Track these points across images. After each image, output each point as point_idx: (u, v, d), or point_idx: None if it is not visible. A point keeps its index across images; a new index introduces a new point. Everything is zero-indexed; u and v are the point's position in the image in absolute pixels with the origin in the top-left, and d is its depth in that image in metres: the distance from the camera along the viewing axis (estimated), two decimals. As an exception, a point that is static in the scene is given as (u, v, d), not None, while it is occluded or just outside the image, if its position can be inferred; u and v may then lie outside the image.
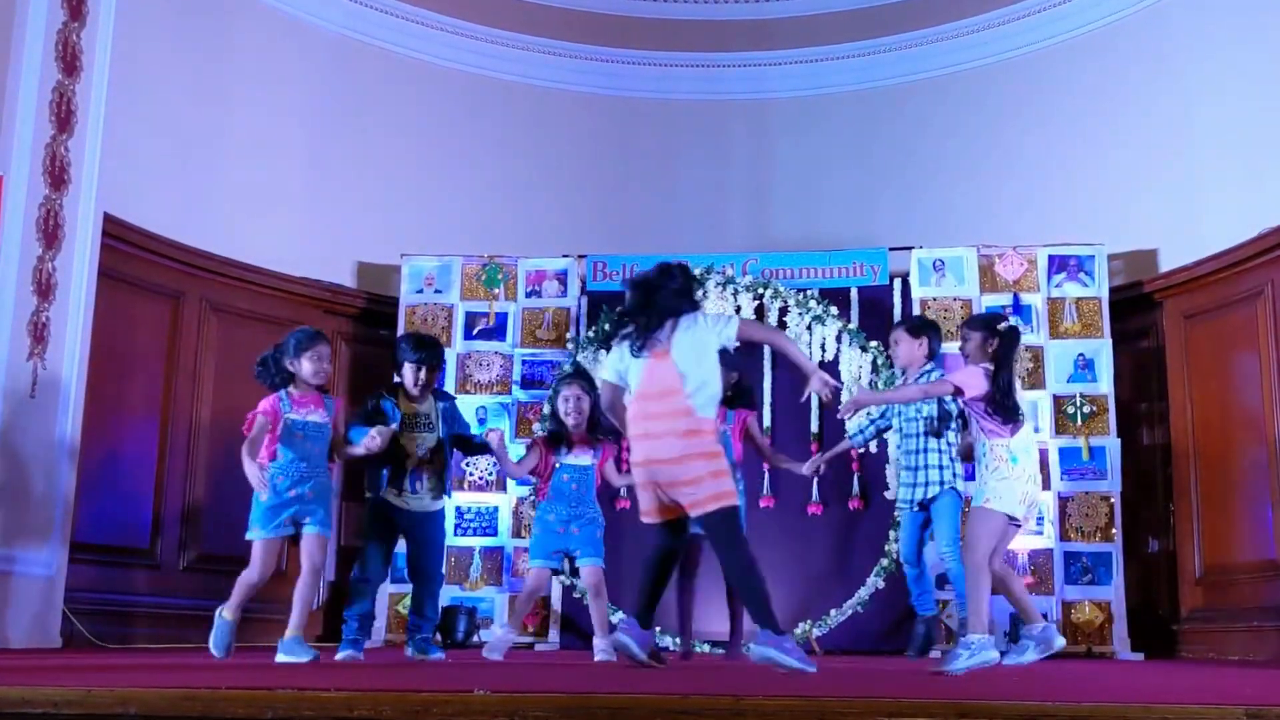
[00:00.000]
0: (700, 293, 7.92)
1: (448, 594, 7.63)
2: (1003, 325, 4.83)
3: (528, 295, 8.73)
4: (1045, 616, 5.10)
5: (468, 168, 9.55)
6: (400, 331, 8.58)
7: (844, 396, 7.18)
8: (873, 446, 8.14)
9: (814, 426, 8.38)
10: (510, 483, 8.28)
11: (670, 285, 4.52)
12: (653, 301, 4.49)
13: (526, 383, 8.55)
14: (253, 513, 5.15)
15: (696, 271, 8.36)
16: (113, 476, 7.53)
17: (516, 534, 8.25)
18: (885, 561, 7.97)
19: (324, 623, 8.27)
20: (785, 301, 8.36)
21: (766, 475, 8.27)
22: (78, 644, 6.70)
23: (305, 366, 5.28)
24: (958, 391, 4.75)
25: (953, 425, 6.36)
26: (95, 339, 6.90)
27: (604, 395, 4.82)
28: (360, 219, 9.17)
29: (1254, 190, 7.73)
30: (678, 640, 6.81)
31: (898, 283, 8.48)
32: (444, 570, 6.39)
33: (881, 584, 7.97)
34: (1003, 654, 7.57)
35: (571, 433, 5.91)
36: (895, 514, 8.05)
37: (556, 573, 6.90)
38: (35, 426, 6.39)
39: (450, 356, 8.55)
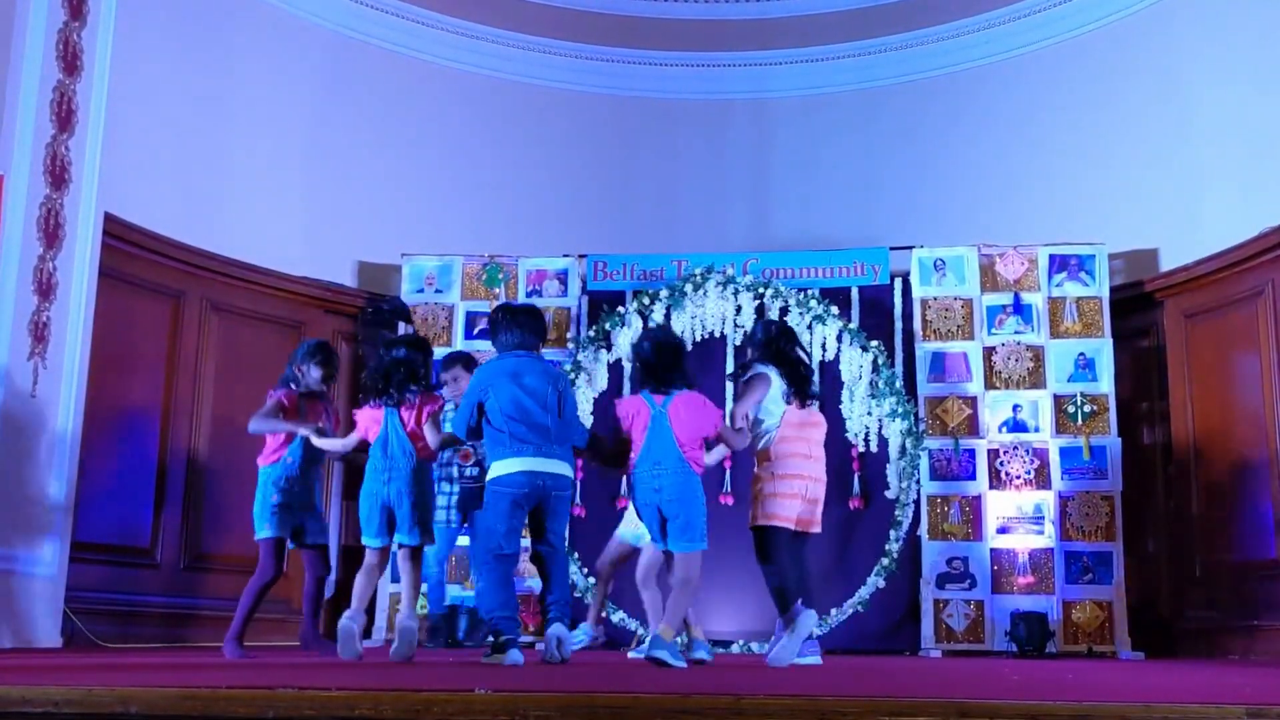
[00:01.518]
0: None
1: (449, 593, 7.62)
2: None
3: (528, 295, 8.73)
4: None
5: (468, 167, 9.55)
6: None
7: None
8: (872, 446, 8.15)
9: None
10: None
11: None
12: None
13: (527, 382, 8.54)
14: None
15: (696, 272, 8.42)
16: (113, 476, 7.53)
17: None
18: (885, 561, 7.97)
19: (325, 622, 8.28)
20: (786, 301, 8.36)
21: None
22: (79, 643, 6.70)
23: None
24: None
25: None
26: (96, 338, 6.90)
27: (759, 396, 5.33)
28: (361, 218, 9.17)
29: (1255, 189, 7.73)
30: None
31: (898, 282, 8.48)
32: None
33: (882, 583, 7.96)
34: (1019, 653, 7.59)
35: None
36: (897, 514, 8.07)
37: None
38: (36, 426, 6.40)
39: (451, 355, 8.59)
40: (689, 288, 8.38)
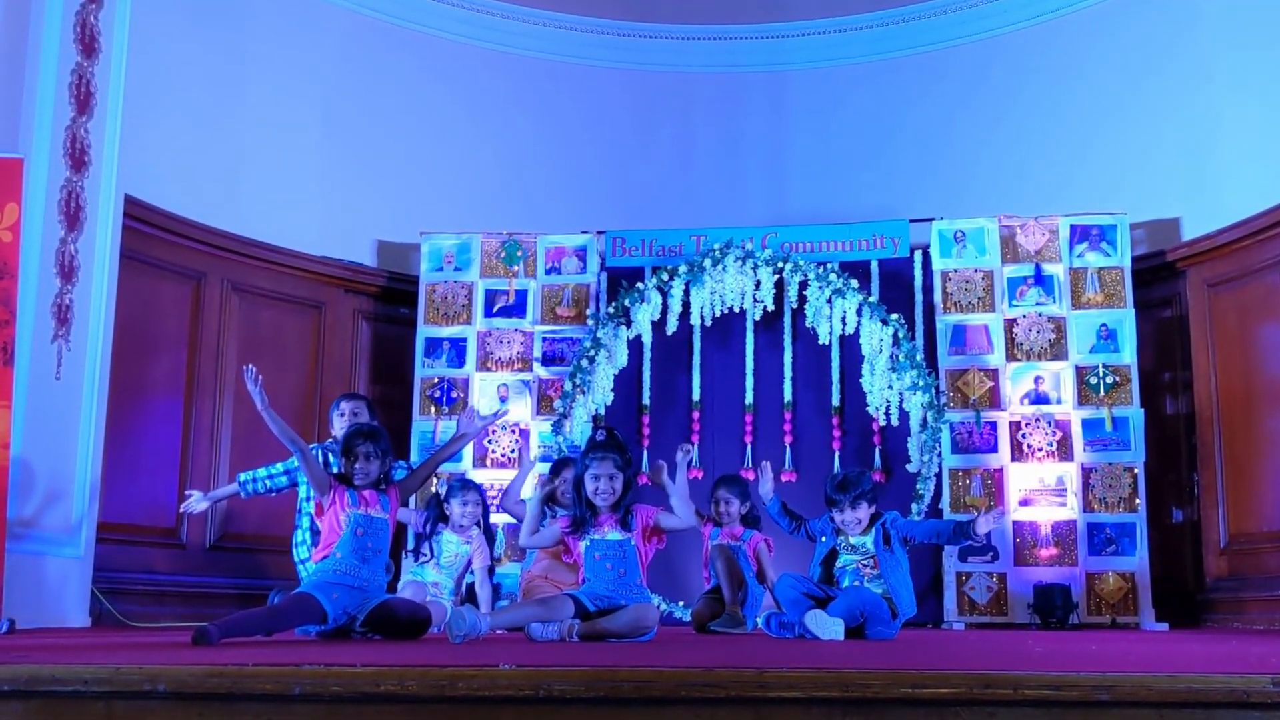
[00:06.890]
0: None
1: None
2: None
3: (547, 272, 8.74)
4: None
5: (486, 144, 9.55)
6: (421, 309, 8.63)
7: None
8: (893, 419, 8.12)
9: (835, 400, 8.40)
10: (534, 458, 8.30)
11: None
12: None
13: (547, 360, 8.57)
14: None
15: (715, 247, 8.39)
16: (138, 457, 7.59)
17: (539, 510, 8.26)
18: (908, 534, 7.96)
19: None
20: (805, 275, 8.33)
21: (789, 450, 8.30)
22: (107, 623, 6.77)
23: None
24: None
25: None
26: (118, 321, 6.95)
27: None
28: (380, 197, 9.18)
29: (1276, 157, 7.66)
30: None
31: (918, 255, 8.45)
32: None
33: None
34: (1043, 625, 7.56)
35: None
36: (918, 487, 8.05)
37: None
38: (60, 408, 6.44)
39: (470, 334, 8.61)
40: (708, 263, 8.36)
